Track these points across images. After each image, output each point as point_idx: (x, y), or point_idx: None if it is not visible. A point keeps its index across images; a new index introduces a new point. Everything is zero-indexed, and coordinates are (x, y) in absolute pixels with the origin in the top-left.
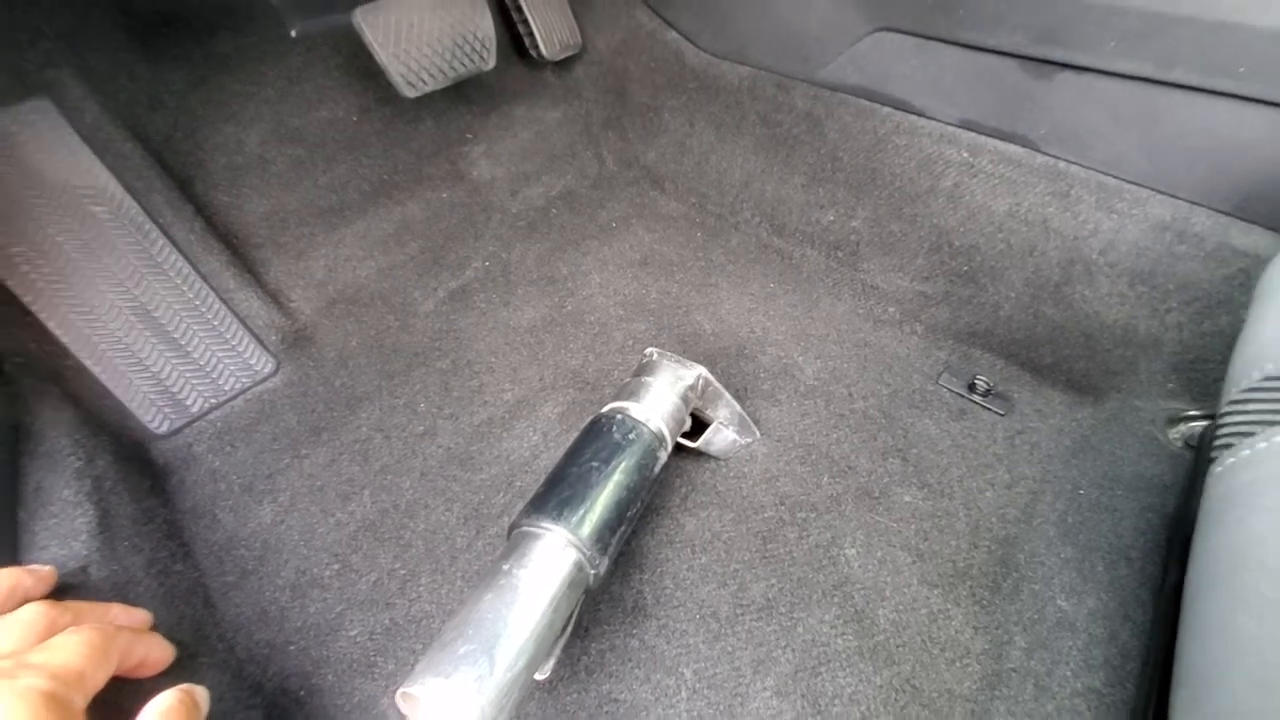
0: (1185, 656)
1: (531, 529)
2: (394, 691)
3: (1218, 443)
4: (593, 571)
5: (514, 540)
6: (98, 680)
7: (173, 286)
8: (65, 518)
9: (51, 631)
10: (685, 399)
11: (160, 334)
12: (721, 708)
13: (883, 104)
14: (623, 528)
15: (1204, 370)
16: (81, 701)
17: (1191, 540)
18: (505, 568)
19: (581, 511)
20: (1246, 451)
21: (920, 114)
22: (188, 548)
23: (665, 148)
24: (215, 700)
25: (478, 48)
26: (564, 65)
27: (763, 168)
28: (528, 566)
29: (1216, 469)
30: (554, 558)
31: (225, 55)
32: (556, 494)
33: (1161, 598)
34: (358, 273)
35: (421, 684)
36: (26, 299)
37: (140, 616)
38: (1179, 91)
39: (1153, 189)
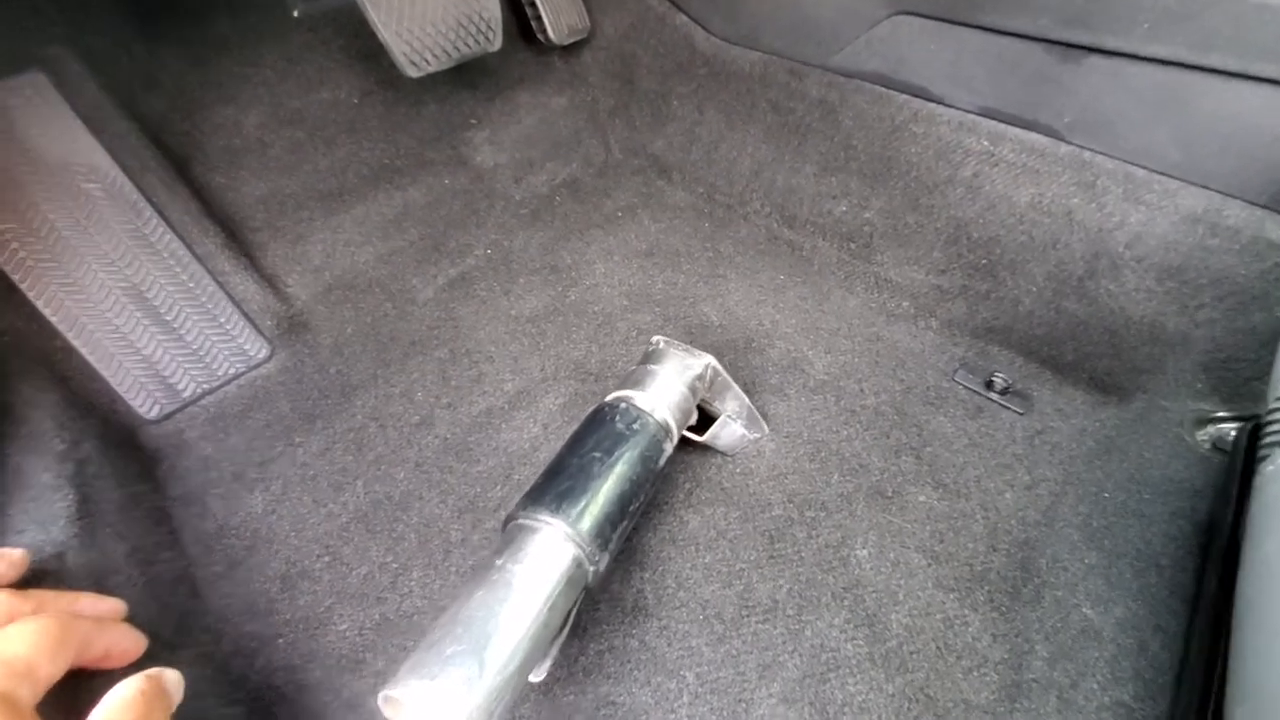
0: (1240, 669)
1: (528, 522)
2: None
3: (1267, 439)
4: (592, 568)
5: (509, 534)
6: (51, 672)
7: (166, 268)
8: (44, 501)
9: (10, 620)
10: (693, 389)
11: (153, 316)
12: (725, 714)
13: (900, 91)
14: (625, 522)
15: (1236, 369)
16: (30, 694)
17: (1240, 545)
18: (499, 563)
19: (582, 504)
20: None
21: (939, 101)
22: (175, 536)
23: (673, 136)
24: (194, 695)
25: (483, 28)
26: (571, 50)
27: (773, 156)
28: (523, 562)
29: (1267, 468)
30: (551, 553)
31: (224, 36)
32: (555, 485)
33: (1200, 608)
34: (356, 258)
35: (405, 686)
36: (15, 276)
37: (111, 606)
38: (1214, 77)
39: (1184, 180)
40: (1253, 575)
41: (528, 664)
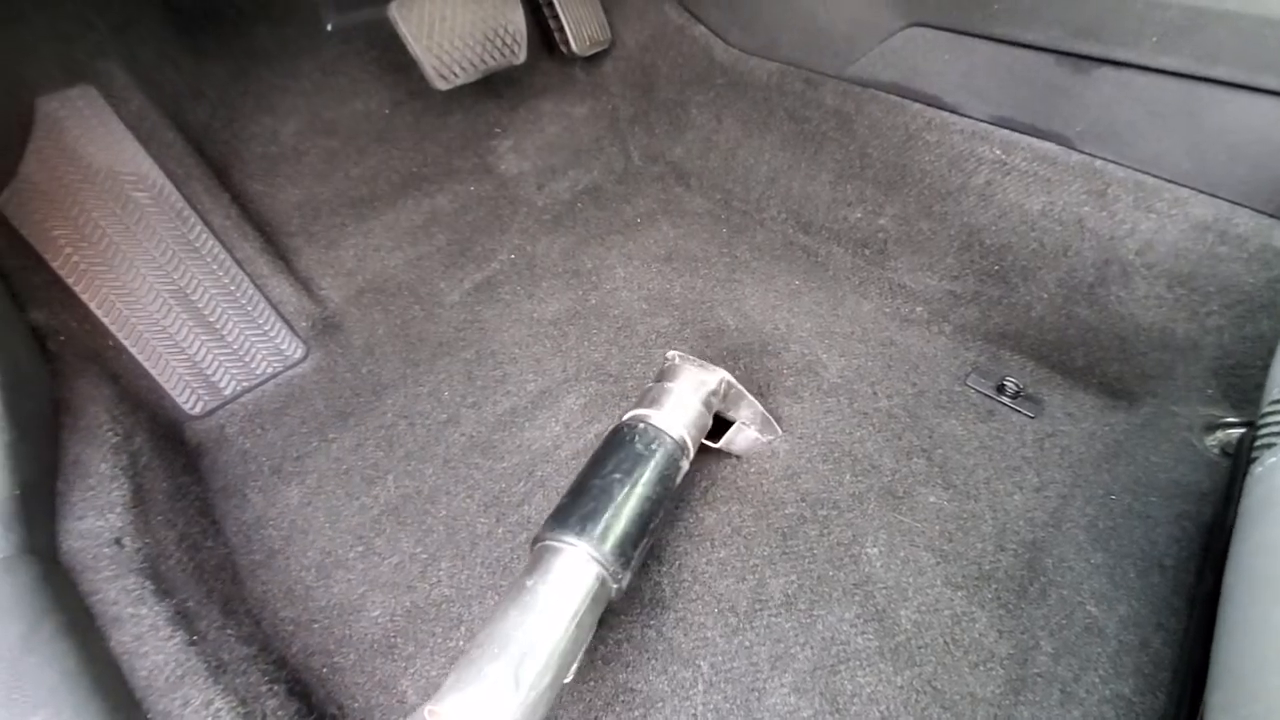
0: (1221, 657)
1: (554, 543)
2: (414, 673)
3: (1258, 443)
4: (615, 586)
5: (537, 554)
6: None
7: (209, 272)
8: (102, 490)
9: None
10: (708, 404)
11: (196, 317)
12: (738, 702)
13: (913, 100)
14: (645, 540)
15: (1244, 376)
16: None
17: (1230, 543)
18: (529, 583)
19: (604, 525)
20: None
21: (952, 110)
22: (218, 525)
23: (692, 144)
24: (241, 673)
25: (509, 41)
26: (592, 61)
27: (790, 164)
28: (550, 582)
29: (1257, 469)
30: (576, 573)
31: (264, 48)
32: (579, 507)
33: (1196, 605)
34: (386, 263)
35: (447, 702)
36: (70, 280)
37: None
38: (1222, 88)
39: (1194, 188)
40: (1234, 571)
41: (559, 677)
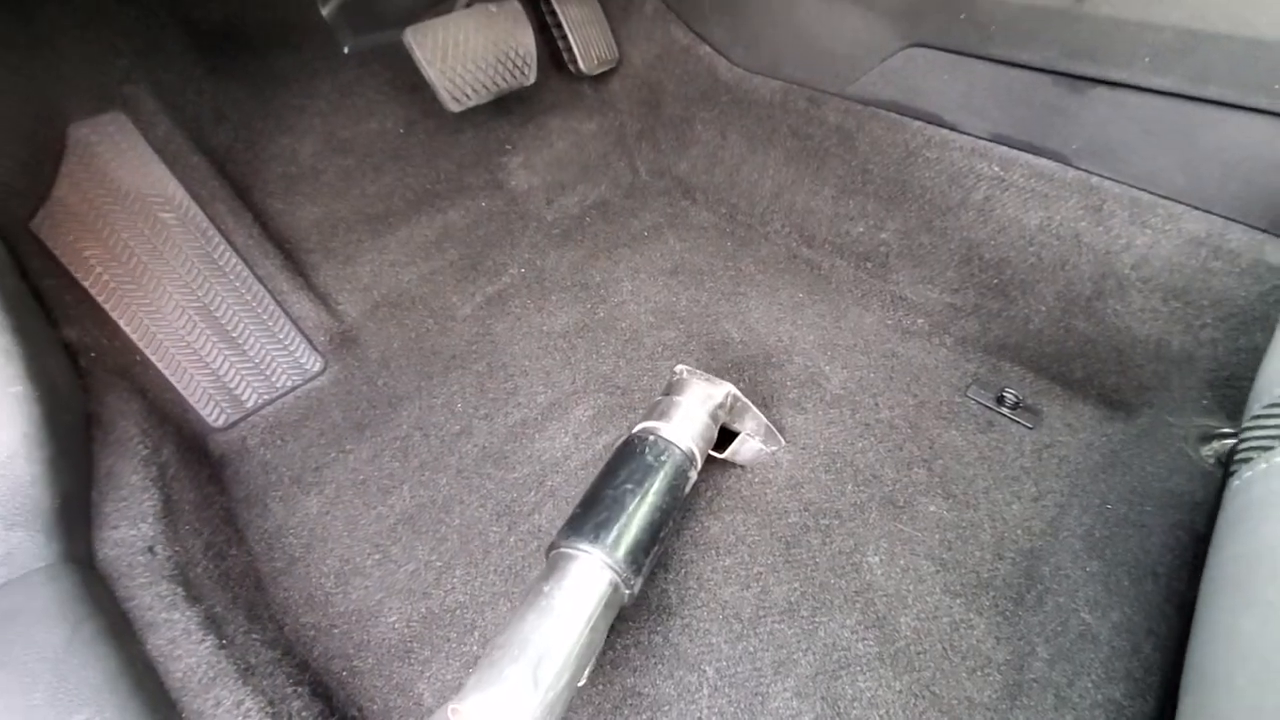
0: (1193, 662)
1: (569, 550)
2: (430, 676)
3: (1238, 457)
4: (628, 592)
5: (553, 561)
6: None
7: (232, 288)
8: (134, 500)
9: None
10: (714, 417)
11: (220, 333)
12: (742, 706)
13: (914, 118)
14: (656, 548)
15: (1238, 387)
16: None
17: (1208, 552)
18: (545, 589)
19: (616, 533)
20: (1263, 465)
21: (952, 128)
22: (241, 534)
23: (697, 159)
24: (268, 675)
25: (519, 64)
26: (600, 79)
27: (793, 179)
28: (566, 588)
29: (1235, 482)
30: (591, 579)
31: (283, 71)
32: (593, 516)
33: (1186, 612)
34: (401, 277)
35: (469, 701)
36: (100, 298)
37: None
38: (1214, 108)
39: (1188, 204)
40: (1210, 579)
41: (575, 678)
